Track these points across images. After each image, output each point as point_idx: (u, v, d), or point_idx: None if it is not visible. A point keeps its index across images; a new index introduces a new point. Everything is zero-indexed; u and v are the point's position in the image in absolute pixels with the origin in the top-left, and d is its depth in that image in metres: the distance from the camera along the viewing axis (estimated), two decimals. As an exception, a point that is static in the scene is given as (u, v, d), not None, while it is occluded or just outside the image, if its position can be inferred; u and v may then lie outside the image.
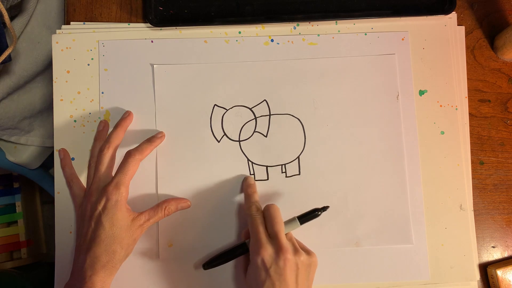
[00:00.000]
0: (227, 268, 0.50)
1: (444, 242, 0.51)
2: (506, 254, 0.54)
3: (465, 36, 0.55)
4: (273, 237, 0.43)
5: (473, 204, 0.53)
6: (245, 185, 0.50)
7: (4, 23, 0.51)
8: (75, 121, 0.52)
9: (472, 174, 0.53)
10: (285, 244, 0.42)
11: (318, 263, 0.51)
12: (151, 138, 0.50)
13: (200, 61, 0.52)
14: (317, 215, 0.47)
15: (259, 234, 0.44)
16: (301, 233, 0.50)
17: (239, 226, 0.51)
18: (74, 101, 0.52)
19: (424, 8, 0.53)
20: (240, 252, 0.47)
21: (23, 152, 0.75)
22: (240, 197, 0.51)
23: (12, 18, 0.56)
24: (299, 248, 0.44)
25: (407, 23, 0.54)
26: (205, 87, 0.52)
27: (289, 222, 0.46)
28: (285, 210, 0.51)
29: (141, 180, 0.51)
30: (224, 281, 0.50)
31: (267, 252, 0.42)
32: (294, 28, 0.53)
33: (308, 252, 0.44)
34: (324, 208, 0.47)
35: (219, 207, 0.51)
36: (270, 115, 0.52)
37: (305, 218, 0.47)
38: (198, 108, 0.52)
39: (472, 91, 0.55)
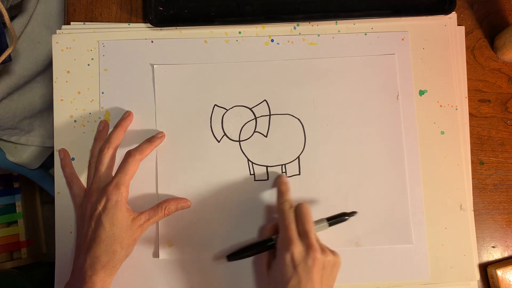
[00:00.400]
0: (228, 268, 0.50)
1: (444, 242, 0.51)
2: (506, 254, 0.54)
3: (465, 36, 0.55)
4: (304, 235, 0.43)
5: (473, 204, 0.53)
6: (279, 182, 0.50)
7: (4, 23, 0.51)
8: (75, 121, 0.52)
9: (472, 174, 0.53)
10: (315, 243, 0.42)
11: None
12: (151, 138, 0.50)
13: (200, 61, 0.52)
14: (345, 220, 0.47)
15: (291, 230, 0.43)
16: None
17: (240, 225, 0.51)
18: (74, 101, 0.52)
19: (424, 8, 0.53)
20: (267, 246, 0.46)
21: (23, 152, 0.75)
22: (241, 197, 0.51)
23: (12, 18, 0.56)
24: (325, 248, 0.44)
25: (407, 23, 0.54)
26: (205, 87, 0.52)
27: (318, 222, 0.47)
28: (285, 210, 0.51)
29: (141, 180, 0.51)
30: (225, 281, 0.50)
31: (297, 249, 0.42)
32: (294, 28, 0.53)
33: (333, 252, 0.44)
34: (352, 213, 0.48)
35: (219, 207, 0.51)
36: (270, 115, 0.52)
37: (334, 220, 0.47)
38: (198, 108, 0.52)
39: (472, 91, 0.55)
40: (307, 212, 0.45)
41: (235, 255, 0.47)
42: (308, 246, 0.42)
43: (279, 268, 0.42)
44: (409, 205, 0.51)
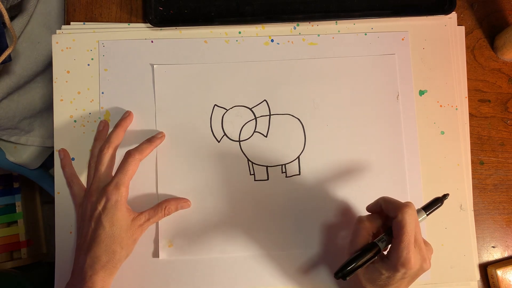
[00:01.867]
0: (228, 268, 0.50)
1: (444, 242, 0.51)
2: (506, 254, 0.54)
3: (465, 36, 0.55)
4: (416, 246, 0.41)
5: (473, 204, 0.53)
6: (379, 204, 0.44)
7: (4, 23, 0.51)
8: (75, 121, 0.52)
9: (472, 174, 0.53)
10: (426, 254, 0.41)
11: (319, 263, 0.51)
12: (151, 138, 0.50)
13: (200, 61, 0.52)
14: (440, 206, 0.44)
15: (411, 245, 0.40)
16: (299, 231, 0.51)
17: (240, 225, 0.51)
18: (74, 101, 0.52)
19: (424, 8, 0.53)
20: (374, 254, 0.42)
21: (23, 152, 0.75)
22: (241, 197, 0.51)
23: (12, 18, 0.56)
24: (426, 254, 0.42)
25: (407, 23, 0.54)
26: (205, 87, 0.52)
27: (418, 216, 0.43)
28: (285, 210, 0.51)
29: (141, 180, 0.51)
30: (224, 281, 0.50)
31: (416, 265, 0.40)
32: (294, 28, 0.53)
33: (426, 244, 0.43)
34: (445, 196, 0.45)
35: (219, 207, 0.51)
36: (270, 115, 0.52)
37: (432, 210, 0.44)
38: (198, 108, 0.52)
39: (472, 91, 0.55)
40: (417, 218, 0.42)
41: (343, 269, 0.41)
42: (422, 259, 0.40)
43: (385, 273, 0.41)
44: (409, 205, 0.51)
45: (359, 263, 0.41)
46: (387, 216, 0.43)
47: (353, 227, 0.45)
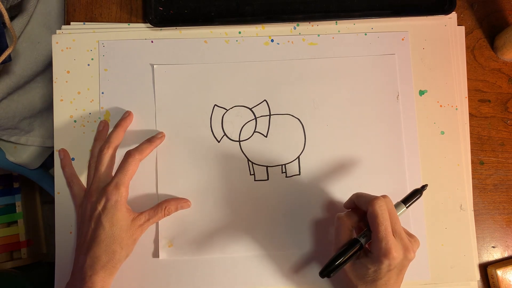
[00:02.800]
0: (228, 268, 0.50)
1: (444, 242, 0.51)
2: (506, 254, 0.54)
3: (465, 36, 0.55)
4: (396, 235, 0.41)
5: (473, 204, 0.53)
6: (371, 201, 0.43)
7: (4, 23, 0.51)
8: (75, 121, 0.52)
9: (472, 174, 0.53)
10: (409, 244, 0.41)
11: (319, 262, 0.51)
12: (151, 138, 0.50)
13: (200, 61, 0.52)
14: (419, 197, 0.45)
15: (390, 238, 0.40)
16: (299, 231, 0.51)
17: (240, 225, 0.51)
18: (74, 101, 0.52)
19: (424, 8, 0.53)
20: (357, 250, 0.42)
21: (23, 152, 0.75)
22: (241, 197, 0.51)
23: (12, 18, 0.56)
24: (409, 244, 0.42)
25: (407, 23, 0.54)
26: (205, 87, 0.52)
27: (397, 209, 0.44)
28: (285, 210, 0.51)
29: (141, 180, 0.51)
30: (224, 281, 0.50)
31: (398, 255, 0.40)
32: (294, 28, 0.53)
33: (411, 236, 0.43)
34: (423, 187, 0.46)
35: (219, 207, 0.51)
36: (270, 115, 0.52)
37: (411, 202, 0.45)
38: (198, 108, 0.52)
39: (472, 91, 0.55)
40: (394, 209, 0.43)
41: (328, 268, 0.42)
42: (404, 248, 0.41)
43: (371, 267, 0.41)
44: (409, 205, 0.51)
45: (342, 260, 0.42)
46: (365, 212, 0.44)
47: (334, 225, 0.45)
